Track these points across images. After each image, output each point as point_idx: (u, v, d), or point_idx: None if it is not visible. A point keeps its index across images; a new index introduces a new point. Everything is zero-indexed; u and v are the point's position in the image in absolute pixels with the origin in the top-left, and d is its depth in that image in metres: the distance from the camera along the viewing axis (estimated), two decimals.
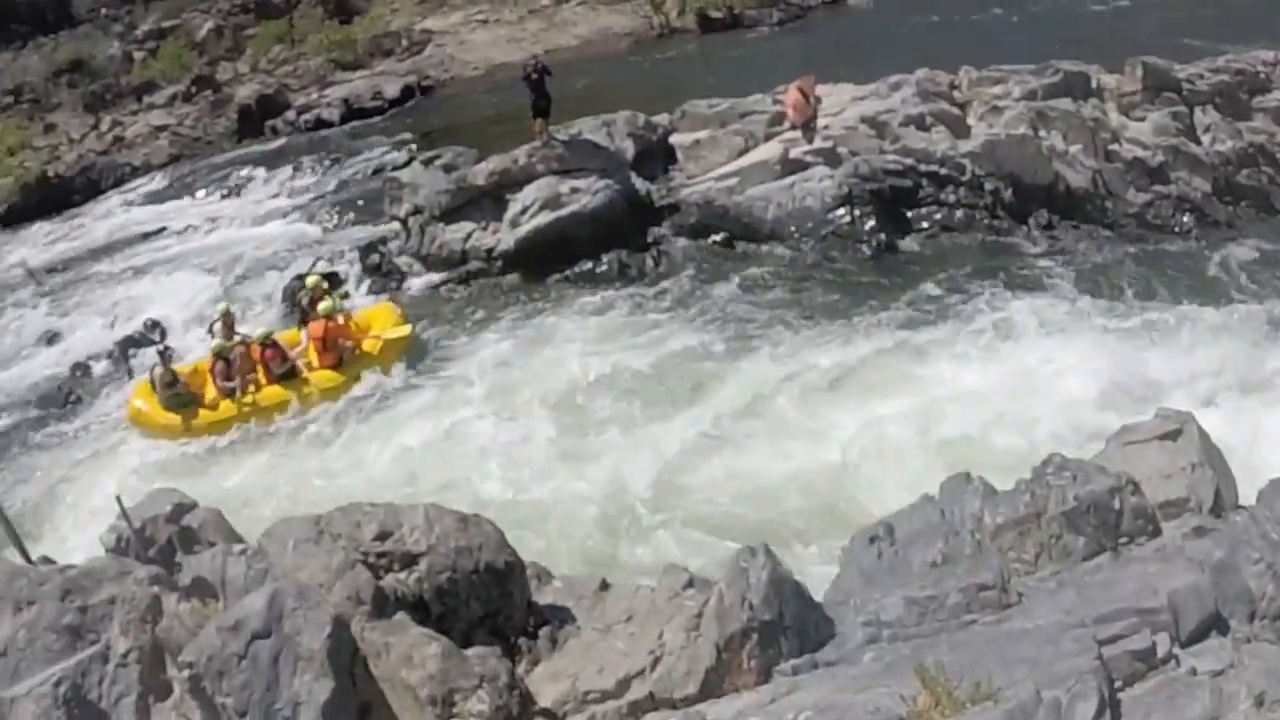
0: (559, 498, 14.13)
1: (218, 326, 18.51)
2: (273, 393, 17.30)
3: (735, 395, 15.94)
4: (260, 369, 17.49)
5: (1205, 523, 8.40)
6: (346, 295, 21.29)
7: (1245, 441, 12.28)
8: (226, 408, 17.21)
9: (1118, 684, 6.34)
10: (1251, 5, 34.85)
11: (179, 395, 17.15)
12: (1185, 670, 6.43)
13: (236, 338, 18.12)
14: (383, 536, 8.83)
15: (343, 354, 17.55)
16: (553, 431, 15.75)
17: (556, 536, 13.18)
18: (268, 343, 17.50)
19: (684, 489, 13.95)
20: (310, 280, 19.29)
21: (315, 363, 17.57)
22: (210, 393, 17.48)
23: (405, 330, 18.17)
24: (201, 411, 17.25)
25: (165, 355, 18.37)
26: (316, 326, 17.59)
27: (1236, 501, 9.17)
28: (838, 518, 12.60)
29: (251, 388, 17.38)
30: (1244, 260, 19.46)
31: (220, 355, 17.41)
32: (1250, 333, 16.54)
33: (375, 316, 18.70)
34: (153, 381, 17.34)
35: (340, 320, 17.85)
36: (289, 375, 17.46)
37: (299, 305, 19.31)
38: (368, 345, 17.83)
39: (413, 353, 18.32)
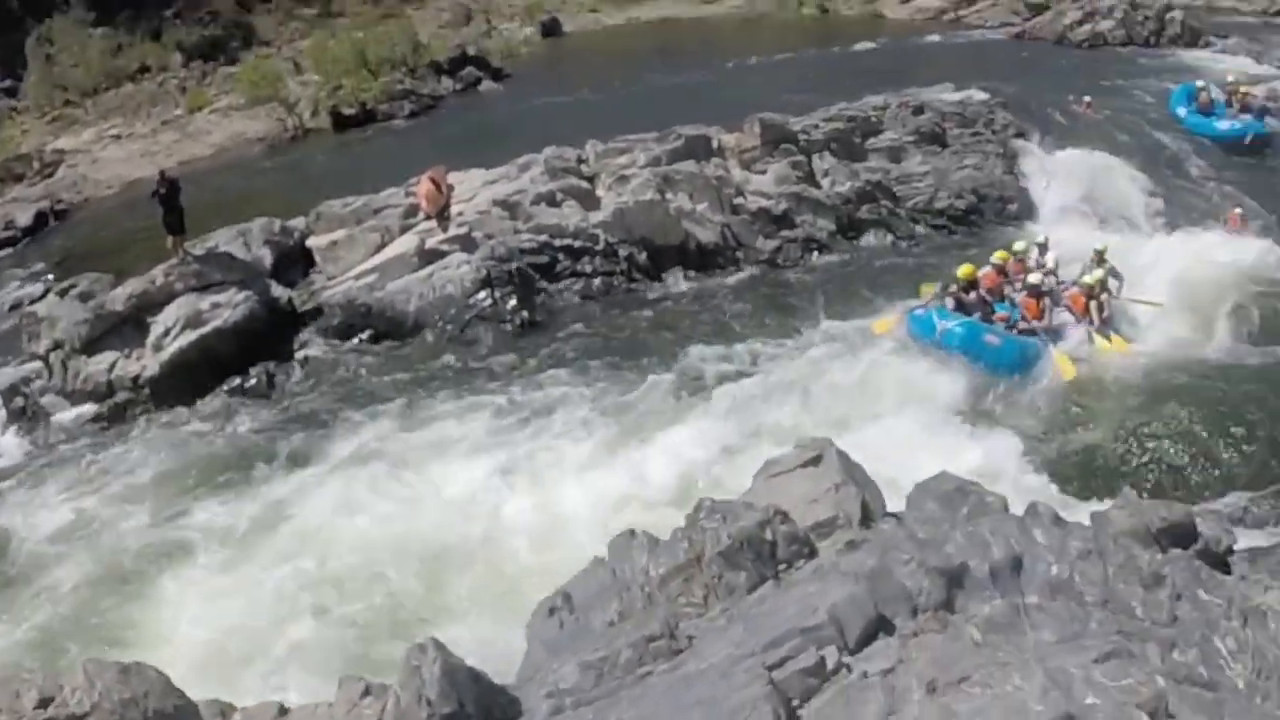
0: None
1: None
2: None
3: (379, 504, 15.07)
4: None
5: (856, 536, 8.80)
6: None
7: (890, 454, 12.95)
8: None
9: (795, 702, 6.54)
10: (855, 60, 38.39)
11: None
12: (857, 675, 6.69)
13: None
14: (45, 703, 8.12)
15: None
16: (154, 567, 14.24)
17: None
18: None
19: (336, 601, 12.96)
20: None
21: None
22: None
23: None
24: None
25: None
26: None
27: (884, 510, 9.68)
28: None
29: None
30: (872, 278, 21.47)
31: None
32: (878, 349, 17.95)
33: None
34: None
35: None
36: None
37: None
38: None
39: None
